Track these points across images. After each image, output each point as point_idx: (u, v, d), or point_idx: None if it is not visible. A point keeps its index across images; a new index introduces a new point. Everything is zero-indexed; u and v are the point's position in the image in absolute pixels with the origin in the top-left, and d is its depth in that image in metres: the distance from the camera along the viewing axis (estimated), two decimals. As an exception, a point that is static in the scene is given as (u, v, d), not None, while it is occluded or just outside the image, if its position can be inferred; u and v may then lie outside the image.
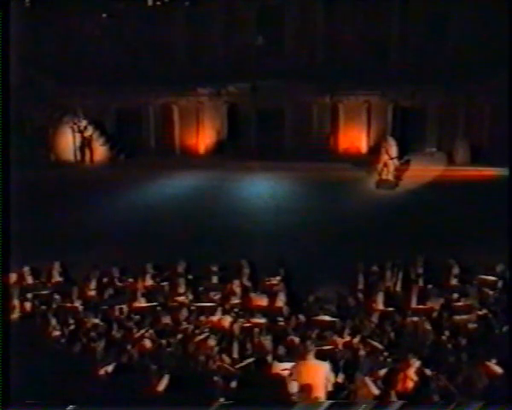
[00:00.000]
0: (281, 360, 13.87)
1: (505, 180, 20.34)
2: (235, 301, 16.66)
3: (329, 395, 12.12)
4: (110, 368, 13.96)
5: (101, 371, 13.94)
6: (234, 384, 13.38)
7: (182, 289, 17.24)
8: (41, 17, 26.80)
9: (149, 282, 17.59)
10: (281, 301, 16.65)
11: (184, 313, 15.98)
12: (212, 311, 16.06)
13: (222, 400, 12.55)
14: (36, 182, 21.87)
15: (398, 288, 17.23)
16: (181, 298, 16.90)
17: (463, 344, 14.50)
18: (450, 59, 26.84)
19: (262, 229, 20.13)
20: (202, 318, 15.85)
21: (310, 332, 14.90)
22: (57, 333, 15.45)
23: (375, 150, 25.71)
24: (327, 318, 15.63)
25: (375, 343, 14.53)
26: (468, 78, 25.65)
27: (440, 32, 27.74)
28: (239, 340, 14.72)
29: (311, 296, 16.74)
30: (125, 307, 16.43)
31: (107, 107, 27.58)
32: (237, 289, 17.03)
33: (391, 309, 16.13)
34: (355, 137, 27.60)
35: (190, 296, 16.94)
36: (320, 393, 11.87)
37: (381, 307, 16.26)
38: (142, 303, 16.58)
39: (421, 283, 17.28)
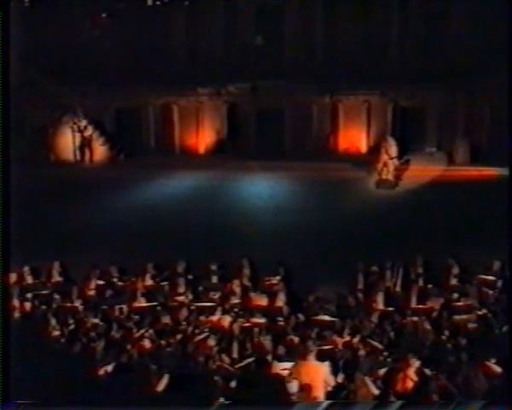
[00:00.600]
0: (281, 360, 13.88)
1: (505, 180, 20.34)
2: (235, 300, 16.66)
3: (329, 395, 12.14)
4: (110, 368, 13.97)
5: (101, 371, 13.95)
6: (234, 384, 13.39)
7: (181, 289, 17.24)
8: (41, 17, 26.79)
9: (149, 282, 17.59)
10: (281, 300, 16.66)
11: (184, 312, 15.99)
12: (211, 311, 16.07)
13: (222, 400, 12.57)
14: (36, 182, 21.89)
15: (398, 288, 17.22)
16: (181, 298, 16.91)
17: (463, 344, 14.51)
18: (450, 59, 26.82)
19: (262, 229, 20.13)
20: (202, 318, 15.86)
21: (309, 332, 14.90)
22: (57, 333, 15.46)
23: (375, 150, 25.71)
24: (327, 318, 15.64)
25: (375, 343, 14.54)
26: (468, 78, 25.64)
27: (440, 32, 27.73)
28: (239, 340, 14.73)
29: (310, 296, 16.74)
30: (124, 306, 16.43)
31: (107, 107, 27.56)
32: (237, 289, 17.03)
33: (391, 309, 16.14)
34: (355, 137, 27.58)
35: (190, 296, 16.94)
36: (319, 393, 11.88)
37: (380, 306, 16.26)
38: (141, 303, 16.58)
39: (420, 283, 17.28)
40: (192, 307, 16.28)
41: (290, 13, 28.10)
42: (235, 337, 14.85)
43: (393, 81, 26.36)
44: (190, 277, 17.77)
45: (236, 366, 13.86)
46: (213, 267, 17.96)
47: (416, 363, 13.28)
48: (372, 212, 21.18)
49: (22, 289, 17.16)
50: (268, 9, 28.31)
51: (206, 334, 15.01)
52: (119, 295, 17.05)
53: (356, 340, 14.62)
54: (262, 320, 15.56)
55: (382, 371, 13.32)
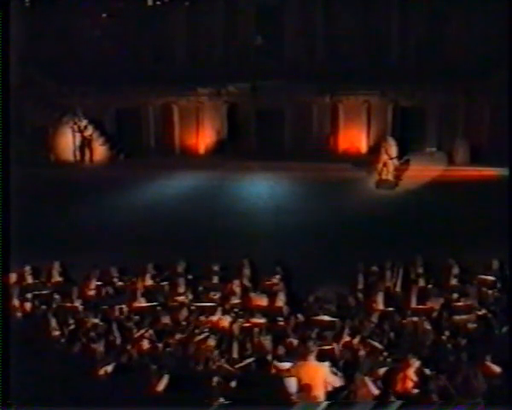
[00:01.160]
0: (281, 360, 13.89)
1: (505, 180, 20.34)
2: (235, 301, 16.66)
3: (329, 395, 12.14)
4: (110, 368, 13.97)
5: (101, 371, 13.95)
6: (234, 384, 13.39)
7: (182, 289, 17.24)
8: (41, 17, 26.80)
9: (149, 282, 17.59)
10: (281, 300, 16.66)
11: (184, 312, 15.99)
12: (211, 311, 16.07)
13: (222, 400, 12.58)
14: (36, 182, 21.88)
15: (398, 288, 17.22)
16: (181, 298, 16.90)
17: (463, 344, 14.52)
18: (450, 59, 26.83)
19: (262, 229, 20.13)
20: (202, 318, 15.86)
21: (309, 332, 14.90)
22: (57, 333, 15.46)
23: (375, 150, 25.70)
24: (326, 318, 15.64)
25: (375, 343, 14.54)
26: (468, 78, 25.64)
27: (440, 31, 27.73)
28: (239, 340, 14.73)
29: (310, 296, 16.74)
30: (124, 306, 16.43)
31: (107, 107, 27.55)
32: (237, 289, 17.03)
33: (391, 309, 16.14)
34: (355, 137, 27.57)
35: (190, 296, 16.93)
36: (319, 393, 11.89)
37: (380, 307, 16.26)
38: (142, 303, 16.58)
39: (420, 283, 17.27)
40: (192, 308, 16.28)
41: (290, 13, 28.10)
42: (235, 337, 14.86)
43: (393, 81, 26.35)
44: (190, 277, 17.76)
45: (236, 366, 13.87)
46: (213, 267, 17.94)
47: (415, 363, 13.29)
48: (372, 212, 21.17)
49: (22, 289, 17.16)
50: (268, 9, 28.31)
51: (207, 334, 15.02)
52: (119, 295, 17.05)
53: (356, 341, 14.61)
54: (262, 320, 15.56)
55: (382, 372, 13.32)
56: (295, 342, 14.73)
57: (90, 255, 18.31)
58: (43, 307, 16.62)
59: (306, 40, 28.05)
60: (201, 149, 27.88)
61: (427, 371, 13.25)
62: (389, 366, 13.60)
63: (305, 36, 28.01)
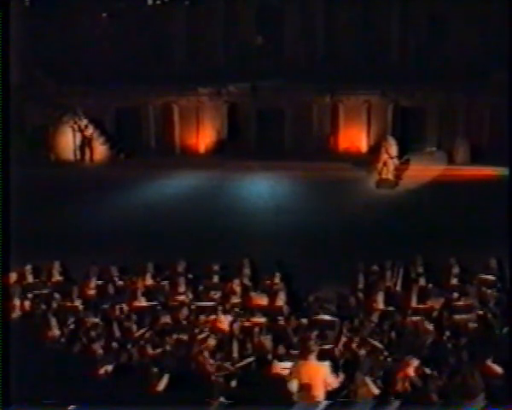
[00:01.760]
0: (281, 360, 13.89)
1: (505, 180, 20.34)
2: (236, 300, 16.66)
3: (329, 395, 12.14)
4: (110, 368, 13.97)
5: (101, 371, 13.95)
6: (234, 384, 13.40)
7: (182, 289, 17.24)
8: (41, 17, 26.80)
9: (149, 281, 17.59)
10: (281, 300, 16.66)
11: (184, 312, 15.98)
12: (212, 310, 16.06)
13: (222, 399, 12.58)
14: (36, 181, 21.87)
15: (399, 287, 17.22)
16: (181, 297, 16.90)
17: (463, 344, 14.51)
18: (450, 59, 26.83)
19: (262, 228, 20.13)
20: (202, 317, 15.86)
21: (310, 332, 14.89)
22: (57, 333, 15.46)
23: (375, 150, 25.71)
24: (327, 317, 15.64)
25: (375, 343, 14.54)
26: (468, 78, 25.64)
27: (440, 32, 27.74)
28: (239, 339, 14.73)
29: (310, 296, 16.73)
30: (125, 306, 16.43)
31: (107, 106, 27.56)
32: (237, 289, 17.03)
33: (391, 309, 16.14)
34: (355, 137, 27.58)
35: (190, 296, 16.93)
36: (319, 393, 11.89)
37: (381, 306, 16.26)
38: (142, 302, 16.58)
39: (421, 282, 17.27)
40: (192, 307, 16.28)
41: (290, 13, 28.10)
42: (235, 337, 14.85)
43: (393, 81, 26.36)
44: (190, 276, 17.77)
45: (236, 365, 13.87)
46: (214, 267, 17.94)
47: (415, 363, 13.29)
48: (372, 212, 21.17)
49: (22, 288, 17.15)
50: (268, 9, 28.31)
51: (207, 333, 15.02)
52: (120, 295, 17.04)
53: (356, 340, 14.61)
54: (262, 320, 15.56)
55: (382, 371, 13.32)
56: (297, 339, 14.74)
57: (90, 255, 18.31)
58: (43, 306, 16.62)
59: (306, 40, 28.05)
60: (201, 148, 27.88)
61: (428, 371, 13.26)
62: (389, 365, 13.60)
63: (305, 36, 28.01)
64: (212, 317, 15.85)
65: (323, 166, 25.09)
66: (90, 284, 17.51)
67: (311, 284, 17.18)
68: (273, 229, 20.11)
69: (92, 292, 17.31)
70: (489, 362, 13.37)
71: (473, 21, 26.67)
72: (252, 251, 18.36)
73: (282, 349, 14.49)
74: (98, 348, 14.61)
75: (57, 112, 26.85)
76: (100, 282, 17.59)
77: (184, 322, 15.79)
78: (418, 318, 15.70)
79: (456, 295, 16.63)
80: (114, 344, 14.72)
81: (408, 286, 17.05)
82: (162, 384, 13.23)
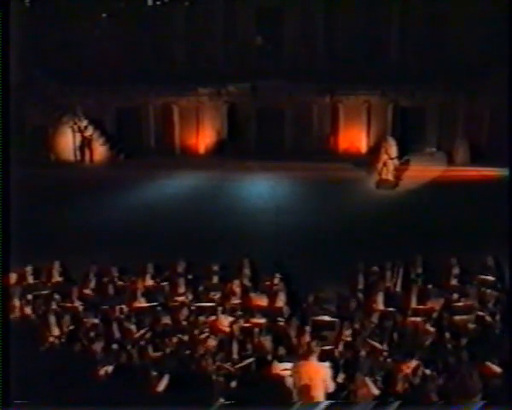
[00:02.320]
0: (281, 360, 13.90)
1: (505, 180, 20.34)
2: (235, 301, 16.66)
3: (329, 396, 12.14)
4: (110, 368, 13.99)
5: (101, 372, 13.96)
6: (234, 384, 13.41)
7: (182, 289, 17.24)
8: (41, 17, 26.79)
9: (149, 282, 17.59)
10: (281, 301, 16.66)
11: (184, 312, 15.99)
12: (212, 311, 16.07)
13: (222, 400, 12.59)
14: (36, 181, 21.87)
15: (398, 288, 17.22)
16: (181, 298, 16.90)
17: (463, 344, 14.52)
18: (450, 59, 26.82)
19: (262, 229, 20.13)
20: (202, 318, 15.87)
21: (309, 333, 14.90)
22: (57, 333, 15.47)
23: (375, 150, 25.70)
24: (327, 318, 15.64)
25: (375, 343, 14.55)
26: (468, 78, 25.64)
27: (440, 31, 27.73)
28: (239, 340, 14.73)
29: (310, 296, 16.73)
30: (124, 306, 16.43)
31: (107, 106, 27.55)
32: (237, 289, 17.02)
33: (391, 309, 16.13)
34: (355, 137, 27.57)
35: (190, 296, 16.93)
36: (319, 393, 11.89)
37: (381, 307, 16.26)
38: (142, 303, 16.59)
39: (420, 283, 17.27)
40: (192, 308, 16.27)
41: (290, 13, 28.09)
42: (235, 338, 14.86)
43: (393, 81, 26.36)
44: (190, 277, 17.76)
45: (236, 366, 13.88)
46: (213, 267, 17.94)
47: (415, 363, 13.30)
48: (372, 212, 21.18)
49: (22, 289, 17.15)
50: (268, 9, 28.30)
51: (207, 334, 15.03)
52: (120, 295, 17.04)
53: (356, 341, 14.62)
54: (262, 320, 15.57)
55: (382, 372, 13.33)
56: (295, 342, 14.75)
57: (90, 255, 18.30)
58: (43, 307, 16.62)
59: (306, 40, 28.04)
60: (201, 148, 27.87)
61: (427, 371, 13.27)
62: (389, 366, 13.62)
63: (305, 36, 28.00)
64: (212, 317, 15.86)
65: (323, 166, 25.09)
66: (90, 284, 17.51)
67: (310, 284, 17.17)
68: (273, 229, 20.11)
69: (92, 293, 17.30)
70: (488, 362, 13.39)
71: (473, 21, 26.64)
72: (252, 251, 18.35)
73: (281, 350, 14.50)
74: (98, 348, 14.63)
75: (57, 112, 26.85)
76: (100, 282, 17.58)
77: (184, 323, 15.80)
78: (418, 318, 15.72)
79: (455, 295, 16.63)
80: (114, 345, 14.73)
81: (408, 287, 17.05)
82: (162, 385, 13.26)
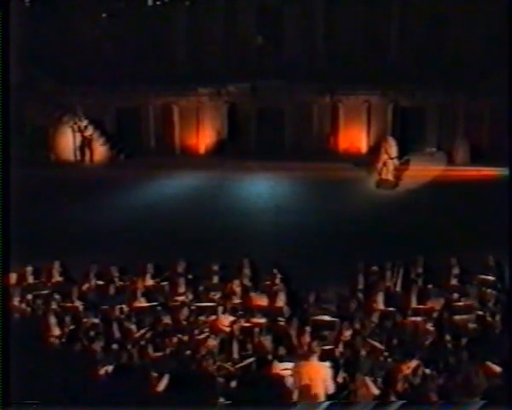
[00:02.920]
0: (281, 360, 13.90)
1: (505, 180, 20.35)
2: (236, 300, 16.66)
3: (330, 395, 12.15)
4: (110, 368, 13.99)
5: (101, 371, 13.97)
6: (234, 384, 13.41)
7: (182, 289, 17.25)
8: (41, 17, 26.79)
9: (149, 281, 17.60)
10: (281, 300, 16.66)
11: (184, 312, 15.99)
12: (212, 311, 16.07)
13: (222, 400, 12.60)
14: (36, 181, 21.87)
15: (399, 288, 17.22)
16: (181, 298, 16.91)
17: (463, 344, 14.53)
18: (450, 59, 26.82)
19: (262, 229, 20.13)
20: (202, 317, 15.87)
21: (309, 333, 14.90)
22: (57, 333, 15.47)
23: (375, 150, 25.70)
24: (327, 317, 15.65)
25: (375, 343, 14.55)
26: (468, 78, 25.64)
27: (440, 31, 27.73)
28: (239, 340, 14.74)
29: (310, 296, 16.73)
30: (125, 306, 16.44)
31: (107, 106, 27.55)
32: (237, 289, 17.03)
33: (391, 309, 16.14)
34: (355, 137, 27.57)
35: (190, 296, 16.94)
36: (319, 393, 11.90)
37: (381, 307, 16.26)
38: (142, 303, 16.59)
39: (421, 283, 17.27)
40: (192, 307, 16.28)
41: (290, 13, 28.09)
42: (235, 337, 14.86)
43: (393, 81, 26.36)
44: (190, 277, 17.77)
45: (237, 366, 13.88)
46: (213, 267, 17.95)
47: (415, 363, 13.31)
48: (372, 212, 21.17)
49: (22, 289, 17.15)
50: (268, 9, 28.30)
51: (207, 334, 15.03)
52: (120, 295, 17.04)
53: (356, 341, 14.62)
54: (262, 320, 15.57)
55: (383, 372, 13.33)
56: (296, 342, 14.76)
57: (90, 255, 18.30)
58: (44, 307, 16.63)
59: (306, 40, 28.04)
60: (201, 148, 27.87)
61: (427, 371, 13.28)
62: (389, 366, 13.62)
63: (305, 36, 28.00)
64: (212, 317, 15.86)
65: (323, 166, 25.08)
66: (90, 284, 17.51)
67: (310, 284, 17.16)
68: (273, 229, 20.09)
69: (92, 293, 17.30)
70: (488, 362, 13.40)
71: (473, 21, 26.64)
72: (252, 251, 18.35)
73: (282, 350, 14.51)
74: (98, 348, 14.63)
75: (57, 112, 26.84)
76: (100, 282, 17.59)
77: (184, 322, 15.80)
78: (418, 318, 15.73)
79: (456, 295, 16.64)
80: (114, 345, 14.74)
81: (408, 286, 17.05)
82: (162, 385, 13.26)
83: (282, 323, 15.80)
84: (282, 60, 27.86)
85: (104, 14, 27.53)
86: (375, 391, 12.96)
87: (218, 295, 16.92)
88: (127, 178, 23.91)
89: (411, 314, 15.93)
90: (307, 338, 14.64)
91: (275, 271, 17.65)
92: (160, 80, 26.67)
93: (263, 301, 16.74)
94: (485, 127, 26.76)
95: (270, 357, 14.34)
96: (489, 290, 16.79)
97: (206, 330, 15.32)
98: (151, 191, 22.90)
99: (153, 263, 17.87)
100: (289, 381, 12.51)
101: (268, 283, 17.49)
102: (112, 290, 17.22)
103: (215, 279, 17.72)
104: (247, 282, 17.51)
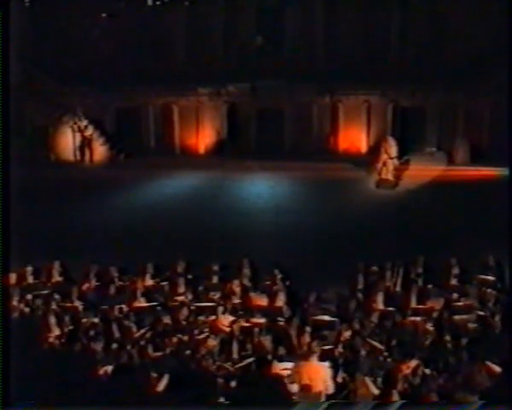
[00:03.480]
0: (281, 360, 13.91)
1: (505, 180, 20.35)
2: (235, 300, 16.66)
3: (330, 395, 12.16)
4: (110, 368, 13.99)
5: (101, 372, 13.97)
6: (234, 384, 13.42)
7: (181, 289, 17.25)
8: (41, 17, 26.79)
9: (149, 281, 17.60)
10: (281, 300, 16.66)
11: (184, 312, 15.99)
12: (212, 311, 16.08)
13: (222, 400, 12.61)
14: (36, 181, 21.87)
15: (398, 288, 17.22)
16: (181, 298, 16.91)
17: (463, 344, 14.54)
18: (450, 59, 26.82)
19: (262, 229, 20.13)
20: (202, 318, 15.88)
21: (309, 333, 14.90)
22: (57, 333, 15.47)
23: (375, 150, 25.69)
24: (326, 317, 15.65)
25: (375, 343, 14.56)
26: (468, 78, 25.64)
27: (440, 31, 27.72)
28: (239, 340, 14.74)
29: (310, 296, 16.73)
30: (124, 306, 16.44)
31: (107, 106, 27.53)
32: (237, 289, 17.03)
33: (391, 309, 16.14)
34: (355, 137, 27.55)
35: (190, 296, 16.94)
36: (319, 393, 11.91)
37: (380, 306, 16.26)
38: (142, 303, 16.59)
39: (420, 283, 17.27)
40: (192, 307, 16.28)
41: (290, 13, 28.09)
42: (235, 337, 14.86)
43: (393, 81, 26.35)
44: (190, 277, 17.77)
45: (237, 366, 13.89)
46: (213, 267, 17.94)
47: (415, 363, 13.31)
48: (372, 212, 21.17)
49: (22, 289, 17.16)
50: (268, 9, 28.30)
51: (207, 334, 15.03)
52: (119, 295, 17.04)
53: (356, 341, 14.63)
54: (262, 320, 15.57)
55: (382, 372, 13.34)
56: (296, 342, 14.76)
57: (90, 255, 18.31)
58: (43, 307, 16.63)
59: (306, 40, 28.04)
60: (201, 148, 27.85)
61: (427, 371, 13.28)
62: (389, 366, 13.62)
63: (305, 36, 28.00)
64: (212, 317, 15.86)
65: (323, 166, 25.07)
66: (90, 284, 17.51)
67: (310, 284, 17.16)
68: (273, 229, 20.10)
69: (92, 293, 17.29)
70: (488, 362, 13.41)
71: (473, 21, 26.63)
72: (251, 251, 18.35)
73: (281, 350, 14.51)
74: (98, 348, 14.63)
75: (57, 112, 26.83)
76: (99, 282, 17.59)
77: (184, 323, 15.80)
78: (418, 318, 15.73)
79: (455, 295, 16.64)
80: (114, 345, 14.75)
81: (408, 287, 17.05)
82: (162, 385, 13.26)
83: (281, 323, 15.79)
84: (282, 60, 27.85)
85: (104, 14, 27.52)
86: (375, 391, 12.96)
87: (217, 296, 16.91)
88: (127, 178, 23.89)
89: (411, 314, 15.93)
90: (307, 338, 14.65)
91: (275, 271, 17.64)
92: (160, 80, 26.65)
93: (263, 301, 16.75)
94: (485, 127, 26.74)
95: (269, 357, 14.35)
96: (489, 290, 16.79)
97: (206, 330, 15.33)
98: (151, 191, 22.90)
99: (152, 263, 17.86)
100: (289, 381, 12.51)
101: (268, 283, 17.49)
102: (112, 290, 17.21)
103: (215, 279, 17.71)
104: (246, 282, 17.51)
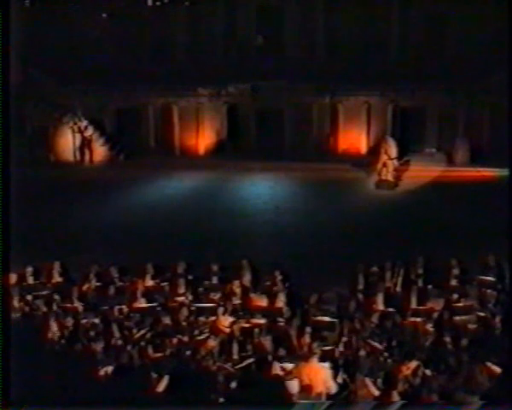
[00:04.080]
0: (281, 361, 13.91)
1: (505, 180, 20.36)
2: (236, 301, 16.65)
3: (330, 396, 12.16)
4: (110, 369, 13.99)
5: (101, 372, 13.97)
6: (234, 385, 13.41)
7: (181, 290, 17.23)
8: (41, 17, 26.79)
9: (149, 282, 17.58)
10: (281, 301, 16.65)
11: (184, 313, 15.99)
12: (212, 311, 16.07)
13: (222, 400, 12.61)
14: (36, 182, 21.89)
15: (399, 288, 17.21)
16: (181, 298, 16.90)
17: (463, 345, 14.54)
18: (450, 59, 26.83)
19: (262, 229, 20.13)
20: (202, 318, 15.87)
21: (310, 334, 14.90)
22: (57, 333, 15.46)
23: (375, 151, 25.71)
24: (327, 318, 15.64)
25: (375, 344, 14.55)
26: (468, 78, 25.65)
27: (440, 31, 27.74)
28: (239, 341, 14.74)
29: (310, 297, 16.71)
30: (124, 307, 16.43)
31: (107, 107, 27.55)
32: (237, 290, 17.02)
33: (391, 310, 16.13)
34: (355, 138, 27.57)
35: (190, 297, 16.93)
36: (319, 394, 11.91)
37: (381, 307, 16.26)
38: (142, 303, 16.58)
39: (421, 283, 17.26)
40: (192, 308, 16.27)
41: (290, 13, 28.11)
42: (235, 338, 14.86)
43: (393, 81, 26.36)
44: (190, 277, 17.75)
45: (237, 366, 13.89)
46: (213, 268, 17.93)
47: (415, 364, 13.31)
48: (372, 212, 21.18)
49: (22, 289, 17.14)
50: (268, 9, 28.31)
51: (207, 335, 15.03)
52: (120, 296, 17.03)
53: (356, 341, 14.62)
54: (262, 321, 15.57)
55: (382, 372, 13.34)
56: (296, 343, 14.76)
57: (90, 255, 18.30)
58: (44, 307, 16.62)
59: (306, 40, 28.05)
60: (201, 149, 27.87)
61: (428, 372, 13.28)
62: (389, 366, 13.62)
63: (306, 36, 28.01)
64: (212, 318, 15.85)
65: (323, 166, 25.09)
66: (90, 285, 17.50)
67: (310, 285, 17.16)
68: (273, 230, 20.11)
69: (92, 293, 17.28)
70: (489, 363, 13.41)
71: (473, 21, 26.65)
72: (251, 252, 18.34)
73: (281, 350, 14.51)
74: (98, 349, 14.63)
75: (57, 112, 26.84)
76: (100, 283, 17.57)
77: (184, 323, 15.79)
78: (418, 319, 15.72)
79: (456, 296, 16.63)
80: (114, 345, 14.74)
81: (408, 287, 17.04)
82: (162, 385, 13.26)
83: (281, 324, 15.79)
84: (282, 60, 27.86)
85: (104, 14, 27.53)
86: (375, 392, 12.96)
87: (217, 296, 16.90)
88: (127, 178, 23.91)
89: (411, 315, 15.92)
90: (307, 339, 14.64)
91: (275, 271, 17.62)
92: (160, 80, 26.68)
93: (263, 301, 16.73)
94: (485, 127, 26.77)
95: (269, 358, 14.35)
96: (489, 291, 16.78)
97: (206, 330, 15.32)
98: (151, 192, 22.91)
99: (153, 264, 17.85)
100: (289, 381, 12.51)
101: (268, 283, 17.47)
102: (112, 291, 17.20)
103: (215, 280, 17.70)
104: (246, 283, 17.49)
